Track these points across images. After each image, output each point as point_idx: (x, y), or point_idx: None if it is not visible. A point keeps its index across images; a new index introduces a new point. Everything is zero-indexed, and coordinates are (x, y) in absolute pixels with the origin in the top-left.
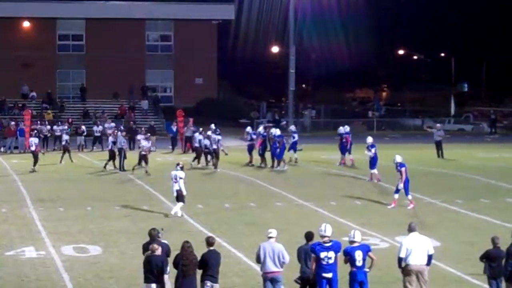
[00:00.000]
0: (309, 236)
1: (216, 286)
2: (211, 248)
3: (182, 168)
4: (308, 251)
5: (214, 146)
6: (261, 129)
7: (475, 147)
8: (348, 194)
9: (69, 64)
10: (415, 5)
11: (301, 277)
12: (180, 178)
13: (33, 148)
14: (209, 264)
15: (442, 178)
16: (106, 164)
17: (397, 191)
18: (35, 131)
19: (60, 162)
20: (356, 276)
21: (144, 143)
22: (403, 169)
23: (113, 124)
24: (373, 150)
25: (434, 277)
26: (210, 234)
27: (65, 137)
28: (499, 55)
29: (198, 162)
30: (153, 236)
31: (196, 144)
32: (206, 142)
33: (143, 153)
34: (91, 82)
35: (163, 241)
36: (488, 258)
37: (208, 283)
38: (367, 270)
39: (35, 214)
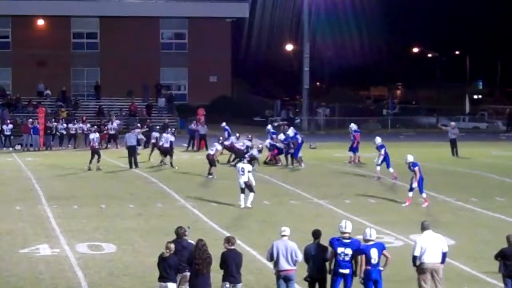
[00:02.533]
0: (316, 234)
1: (238, 286)
2: (231, 247)
3: (249, 162)
4: (315, 249)
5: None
6: (267, 142)
7: (490, 145)
8: (362, 192)
9: (83, 62)
10: (429, 2)
11: (309, 275)
12: (249, 171)
13: (95, 145)
14: (228, 263)
15: (457, 176)
16: (162, 160)
17: (411, 189)
18: (95, 126)
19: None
20: (371, 274)
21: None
22: (416, 168)
23: (118, 122)
24: (382, 151)
25: (449, 275)
26: (224, 233)
27: (155, 134)
28: None
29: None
30: (180, 234)
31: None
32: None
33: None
34: (106, 80)
35: (189, 240)
36: (503, 256)
37: (227, 284)
38: (382, 268)
39: (49, 212)
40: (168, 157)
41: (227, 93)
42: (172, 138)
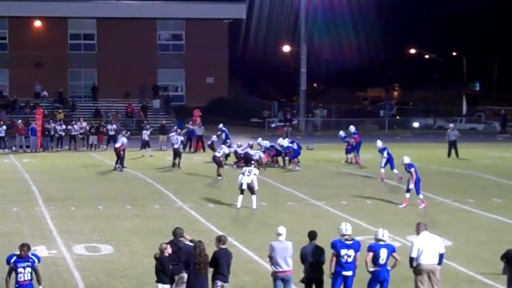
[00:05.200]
0: (312, 235)
1: (226, 286)
2: (223, 246)
3: (255, 166)
4: (311, 250)
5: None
6: (267, 142)
7: (487, 146)
8: (359, 194)
9: (80, 63)
10: (426, 3)
11: (306, 277)
12: (255, 174)
13: (117, 145)
14: (220, 262)
15: (454, 177)
16: (175, 163)
17: (408, 190)
18: (125, 131)
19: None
20: (379, 275)
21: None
22: (412, 169)
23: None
24: (385, 154)
25: (446, 276)
26: (221, 234)
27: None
28: (511, 54)
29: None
30: (178, 235)
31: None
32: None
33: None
34: (103, 81)
35: (186, 242)
36: (508, 257)
37: (219, 283)
38: (389, 268)
39: (46, 213)
40: (176, 158)
41: (224, 94)
42: (181, 138)
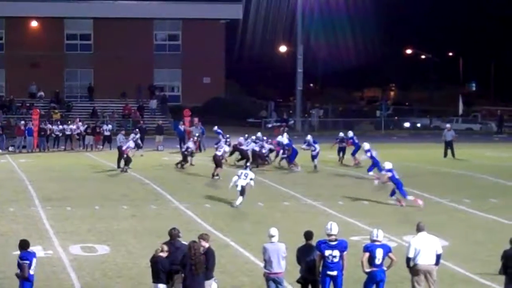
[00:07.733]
0: (308, 235)
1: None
2: (208, 244)
3: (251, 169)
4: (307, 251)
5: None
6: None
7: (484, 146)
8: (356, 194)
9: (77, 63)
10: (423, 4)
11: (302, 277)
12: (251, 179)
13: (122, 146)
14: (211, 260)
15: (451, 178)
16: (179, 163)
17: (393, 193)
18: (124, 131)
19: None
20: (376, 276)
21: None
22: (389, 174)
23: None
24: (368, 154)
25: (443, 276)
26: (218, 234)
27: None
28: (508, 54)
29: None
30: (174, 235)
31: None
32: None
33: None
34: (99, 81)
35: (183, 242)
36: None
37: (216, 280)
38: (385, 268)
39: (42, 214)
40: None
41: (220, 94)
42: (192, 146)
